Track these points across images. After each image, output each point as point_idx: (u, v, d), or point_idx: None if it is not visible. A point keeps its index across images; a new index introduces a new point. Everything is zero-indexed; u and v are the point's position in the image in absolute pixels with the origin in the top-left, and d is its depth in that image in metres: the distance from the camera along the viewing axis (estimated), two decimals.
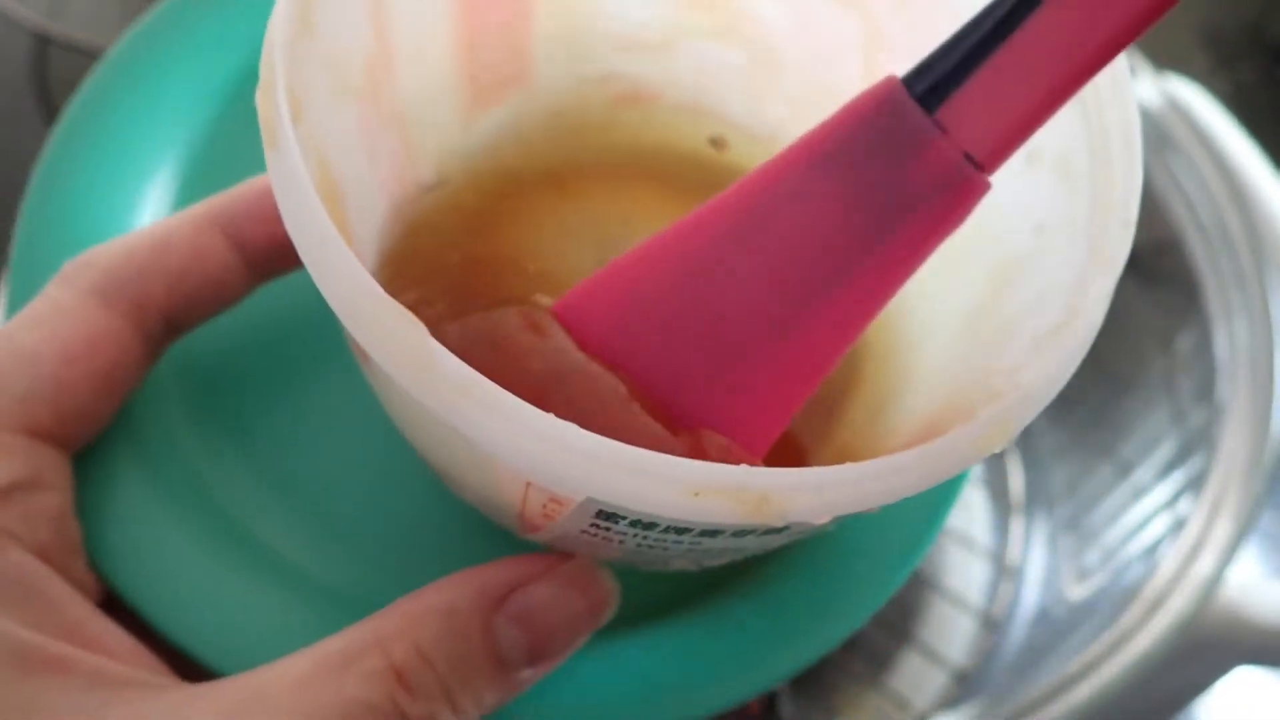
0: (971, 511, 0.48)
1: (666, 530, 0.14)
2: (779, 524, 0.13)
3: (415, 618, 0.16)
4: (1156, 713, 0.37)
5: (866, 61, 0.20)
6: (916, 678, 0.43)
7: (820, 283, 0.15)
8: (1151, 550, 0.38)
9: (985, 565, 0.46)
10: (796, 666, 0.19)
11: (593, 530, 0.14)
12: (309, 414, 0.21)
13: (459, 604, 0.16)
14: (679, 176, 0.21)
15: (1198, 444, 0.39)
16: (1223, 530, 0.34)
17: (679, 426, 0.16)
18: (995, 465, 0.49)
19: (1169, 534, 0.37)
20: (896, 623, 0.44)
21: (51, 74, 0.45)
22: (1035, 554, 0.47)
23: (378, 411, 0.19)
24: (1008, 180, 0.17)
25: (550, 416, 0.12)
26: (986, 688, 0.42)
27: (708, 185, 0.21)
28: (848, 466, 0.13)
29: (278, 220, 0.19)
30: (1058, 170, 0.16)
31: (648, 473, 0.12)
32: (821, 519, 0.13)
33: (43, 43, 0.45)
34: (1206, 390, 0.39)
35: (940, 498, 0.20)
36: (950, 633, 0.44)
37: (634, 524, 0.14)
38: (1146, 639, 0.33)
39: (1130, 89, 0.16)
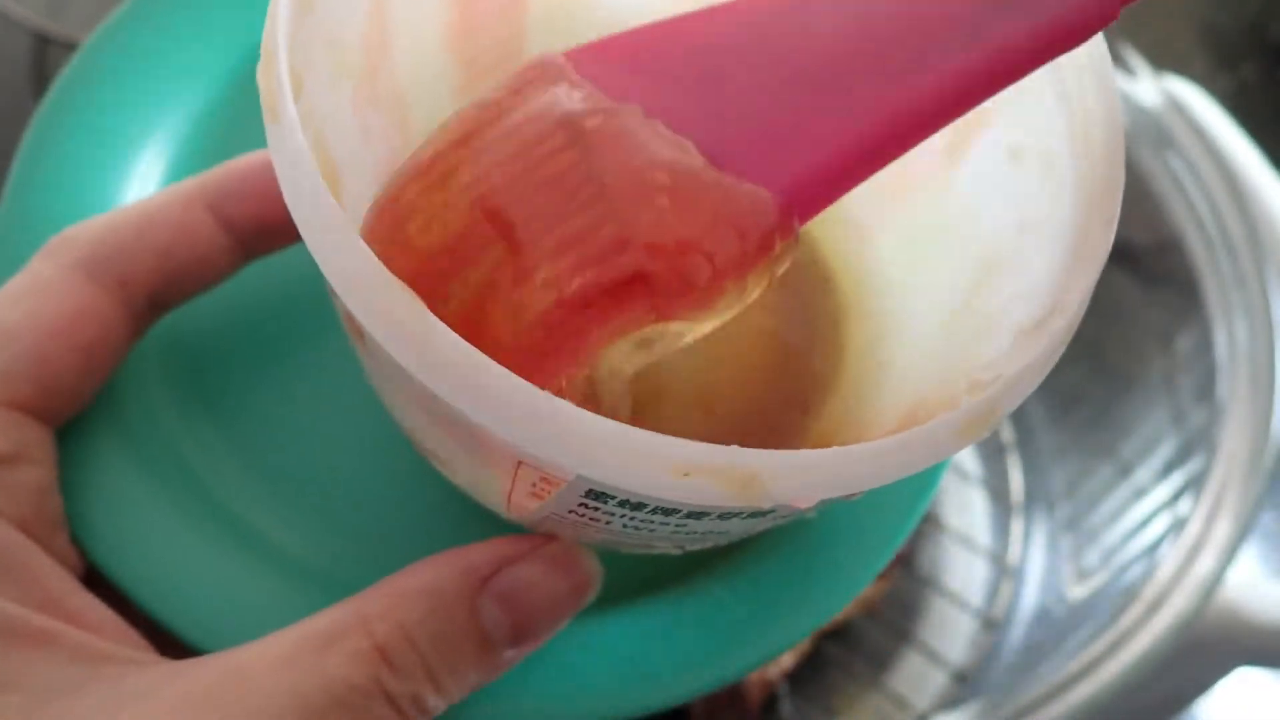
0: (972, 511, 0.48)
1: (654, 511, 0.14)
2: (765, 505, 0.13)
3: (399, 597, 0.15)
4: (1156, 713, 0.37)
5: None
6: (916, 678, 0.43)
7: (916, 53, 0.15)
8: (1151, 550, 0.38)
9: (985, 565, 0.46)
10: (774, 651, 0.19)
11: (580, 510, 0.14)
12: (294, 393, 0.21)
13: (443, 584, 0.16)
14: None
15: (1198, 444, 0.39)
16: (1223, 530, 0.34)
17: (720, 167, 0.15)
18: (995, 465, 0.49)
19: (1169, 534, 0.37)
20: (896, 623, 0.44)
21: (51, 74, 0.45)
22: (1035, 554, 0.47)
23: (363, 391, 0.19)
24: (992, 177, 0.17)
25: (546, 394, 0.12)
26: (986, 688, 0.42)
27: None
28: (834, 450, 0.13)
29: (265, 198, 0.18)
30: (1041, 167, 0.17)
31: (639, 451, 0.12)
32: (807, 502, 0.13)
33: (43, 43, 0.45)
34: (1206, 390, 0.39)
35: (918, 488, 0.20)
36: (950, 633, 0.44)
37: (623, 504, 0.14)
38: (1146, 639, 0.33)
39: (1114, 87, 0.16)
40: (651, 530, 0.15)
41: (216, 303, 0.20)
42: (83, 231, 0.19)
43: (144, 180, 0.22)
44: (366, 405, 0.20)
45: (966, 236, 0.18)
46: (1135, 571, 0.38)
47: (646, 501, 0.13)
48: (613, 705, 0.18)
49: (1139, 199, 0.44)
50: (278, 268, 0.20)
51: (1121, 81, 0.44)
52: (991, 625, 0.44)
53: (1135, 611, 0.33)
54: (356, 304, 0.13)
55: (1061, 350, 0.14)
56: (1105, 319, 0.52)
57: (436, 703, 0.16)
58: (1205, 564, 0.33)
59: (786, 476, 0.13)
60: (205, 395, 0.21)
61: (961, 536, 0.46)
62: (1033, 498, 0.48)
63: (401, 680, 0.15)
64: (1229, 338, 0.38)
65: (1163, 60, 0.45)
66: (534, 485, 0.14)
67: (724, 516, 0.14)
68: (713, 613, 0.19)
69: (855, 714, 0.42)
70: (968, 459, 0.49)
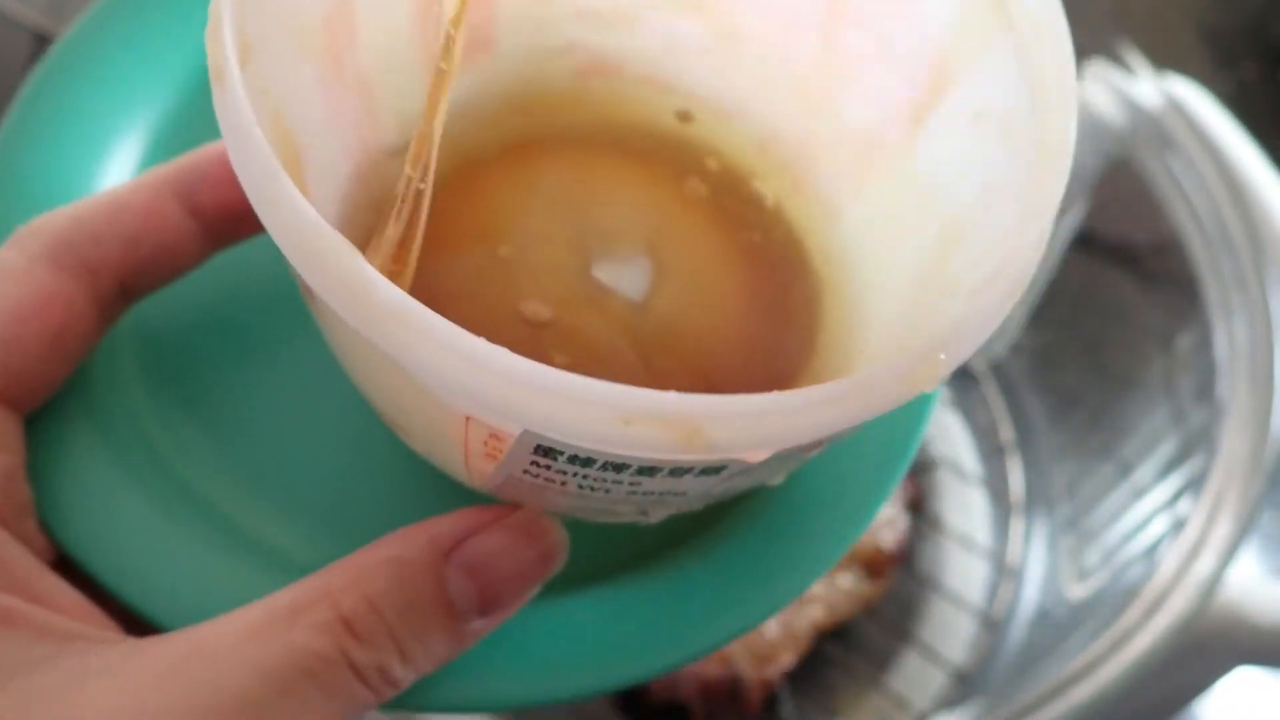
0: (971, 511, 0.48)
1: (605, 467, 0.14)
2: (710, 456, 0.13)
3: (365, 569, 0.16)
4: (1156, 713, 0.37)
5: (825, 35, 0.20)
6: (916, 678, 0.43)
7: None
8: (1151, 550, 0.38)
9: (985, 565, 0.46)
10: (747, 626, 0.19)
11: (534, 470, 0.14)
12: (264, 379, 0.21)
13: (408, 555, 0.16)
14: (648, 149, 0.21)
15: (1198, 444, 0.39)
16: (1223, 530, 0.34)
17: None
18: (995, 465, 0.49)
19: (1169, 534, 0.37)
20: (896, 623, 0.44)
21: None
22: (1035, 554, 0.47)
23: (332, 377, 0.19)
24: (956, 142, 0.17)
25: (483, 341, 0.12)
26: (986, 688, 0.42)
27: (677, 158, 0.21)
28: (776, 395, 0.13)
29: (233, 185, 0.18)
30: (1001, 129, 0.17)
31: (580, 399, 0.12)
32: (752, 454, 0.13)
33: (43, 43, 0.45)
34: (1206, 390, 0.39)
35: (890, 462, 0.20)
36: (950, 633, 0.44)
37: (572, 460, 0.14)
38: (1146, 639, 0.33)
39: (1068, 41, 0.16)
40: (608, 491, 0.15)
41: (190, 292, 0.20)
42: (49, 221, 0.19)
43: (118, 173, 0.22)
44: (335, 391, 0.20)
45: (932, 205, 0.18)
46: (1135, 571, 0.38)
47: (595, 456, 0.13)
48: (584, 681, 0.18)
49: (1139, 199, 0.44)
50: (255, 260, 0.20)
51: (1121, 81, 0.44)
52: (991, 625, 0.44)
53: (1135, 611, 0.33)
54: (294, 253, 0.13)
55: (1014, 298, 0.14)
56: (1105, 319, 0.52)
57: (404, 674, 0.16)
58: (1205, 564, 0.33)
59: (728, 424, 0.12)
60: (178, 383, 0.21)
61: (961, 536, 0.46)
62: (1033, 498, 0.48)
63: (367, 650, 0.15)
64: (1229, 338, 0.38)
65: (1163, 60, 0.45)
66: (485, 444, 0.14)
67: (676, 473, 0.14)
68: (685, 589, 0.19)
69: (855, 714, 0.42)
70: (968, 459, 0.49)
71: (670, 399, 0.12)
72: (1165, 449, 0.42)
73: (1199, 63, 0.68)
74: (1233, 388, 0.37)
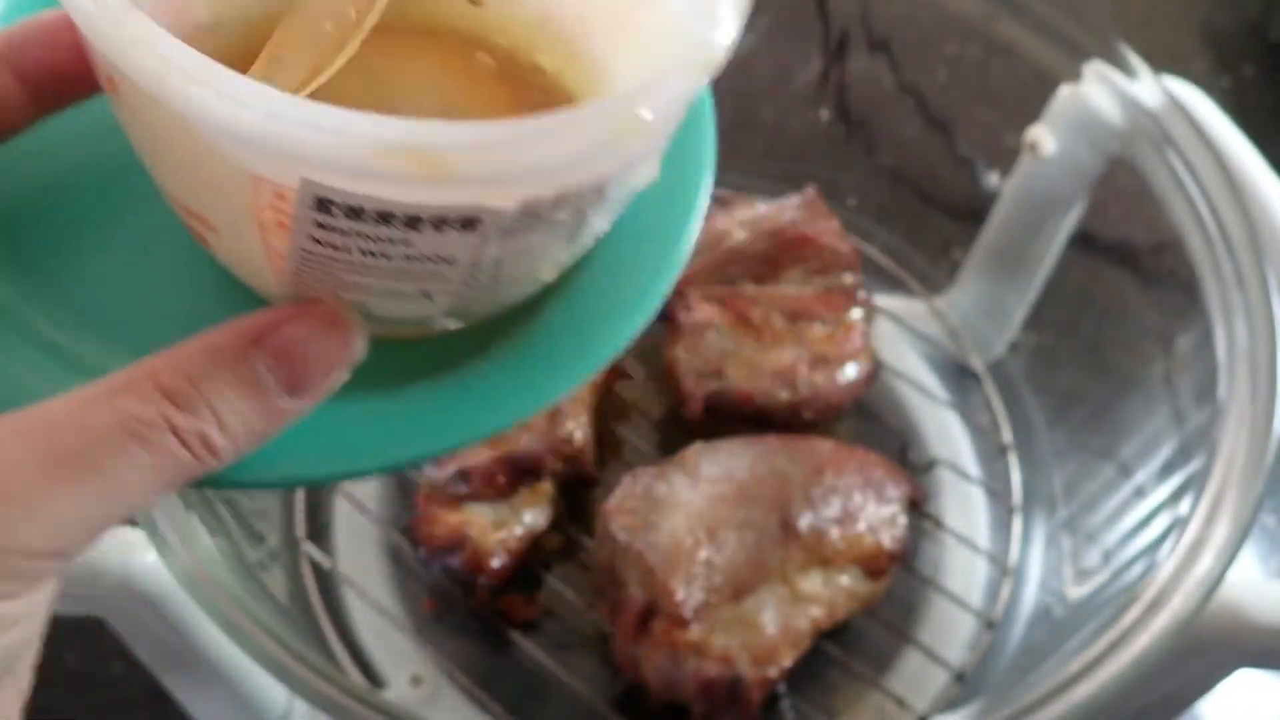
0: (972, 512, 0.48)
1: (376, 221, 0.16)
2: (453, 186, 0.15)
3: (182, 355, 0.18)
4: (1156, 713, 0.37)
5: None
6: (916, 678, 0.43)
7: None
8: (1151, 550, 0.38)
9: (985, 565, 0.46)
10: (526, 411, 0.22)
11: (320, 235, 0.16)
12: (89, 227, 0.23)
13: (220, 342, 0.18)
14: (443, 30, 0.24)
15: (1198, 444, 0.39)
16: (1223, 530, 0.34)
17: None
18: (995, 466, 0.49)
19: (1169, 534, 0.37)
20: (896, 623, 0.44)
21: None
22: (1035, 554, 0.47)
23: (147, 218, 0.22)
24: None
25: (255, 83, 0.14)
26: (986, 688, 0.42)
27: (470, 38, 0.24)
28: (506, 121, 0.15)
29: (57, 47, 0.21)
30: None
31: (340, 130, 0.14)
32: (495, 196, 0.16)
33: None
34: (1206, 390, 0.39)
35: (657, 269, 0.23)
36: (950, 633, 0.44)
37: (349, 214, 0.16)
38: (1146, 639, 0.33)
39: None
40: (388, 258, 0.17)
41: (19, 154, 0.23)
42: None
43: None
44: (151, 231, 0.23)
45: (666, 41, 0.21)
46: (1135, 571, 0.38)
47: (364, 205, 0.15)
48: (385, 456, 0.21)
49: (1139, 199, 0.44)
50: (78, 129, 0.22)
51: (1122, 81, 0.44)
52: (991, 625, 0.44)
53: (1135, 611, 0.33)
54: (86, 20, 0.15)
55: (706, 71, 0.17)
56: (1105, 319, 0.52)
57: (225, 443, 0.18)
58: (1205, 564, 0.33)
59: (467, 149, 0.15)
60: (6, 232, 0.23)
61: (961, 536, 0.46)
62: (1033, 498, 0.48)
63: (187, 417, 0.18)
64: (1229, 338, 0.38)
65: (1163, 60, 0.45)
66: (273, 207, 0.16)
67: (438, 226, 0.16)
68: (474, 380, 0.22)
69: (855, 714, 0.42)
70: (968, 459, 0.49)
71: (417, 124, 0.15)
72: (1165, 449, 0.42)
73: (1199, 63, 0.69)
74: (1233, 388, 0.37)
